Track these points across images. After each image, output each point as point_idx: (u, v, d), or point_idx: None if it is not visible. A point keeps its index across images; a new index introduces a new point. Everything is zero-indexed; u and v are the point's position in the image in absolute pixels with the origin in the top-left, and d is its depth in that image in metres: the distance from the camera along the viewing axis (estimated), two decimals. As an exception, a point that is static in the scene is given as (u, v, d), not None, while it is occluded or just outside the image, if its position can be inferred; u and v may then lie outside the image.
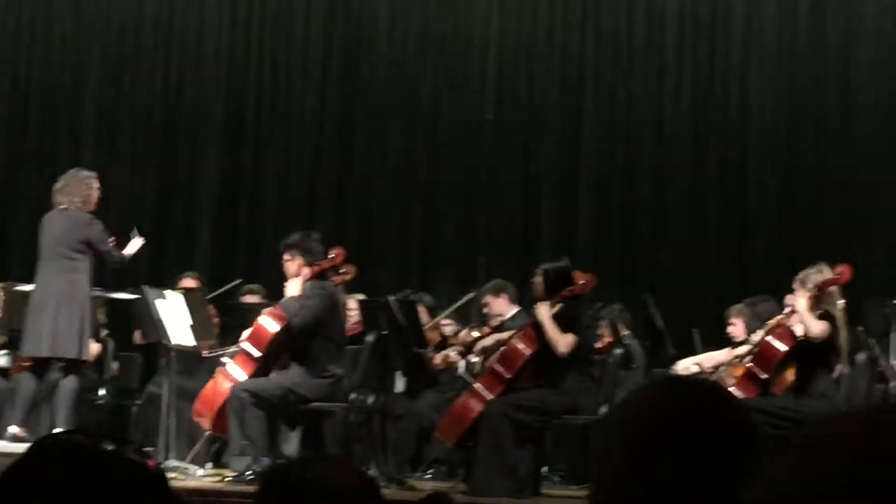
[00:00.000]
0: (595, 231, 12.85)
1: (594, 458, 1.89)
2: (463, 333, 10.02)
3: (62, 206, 8.96)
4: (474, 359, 9.66)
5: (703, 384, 1.95)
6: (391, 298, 9.14)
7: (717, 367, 8.83)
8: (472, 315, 10.47)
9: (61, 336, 8.68)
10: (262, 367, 8.46)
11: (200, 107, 13.34)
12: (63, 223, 8.87)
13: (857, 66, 12.82)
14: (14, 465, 1.75)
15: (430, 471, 9.54)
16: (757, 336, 8.54)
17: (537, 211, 13.02)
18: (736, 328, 9.44)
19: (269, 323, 8.46)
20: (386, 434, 9.02)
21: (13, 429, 8.62)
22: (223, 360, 8.83)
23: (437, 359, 9.98)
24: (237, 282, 10.71)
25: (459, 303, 10.40)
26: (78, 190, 9.02)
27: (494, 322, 10.01)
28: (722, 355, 8.99)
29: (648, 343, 10.03)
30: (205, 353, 9.31)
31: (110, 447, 1.78)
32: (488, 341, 9.26)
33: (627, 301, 11.03)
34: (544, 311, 8.38)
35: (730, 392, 2.02)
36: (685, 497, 1.67)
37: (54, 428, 8.74)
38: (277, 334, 8.41)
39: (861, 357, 9.24)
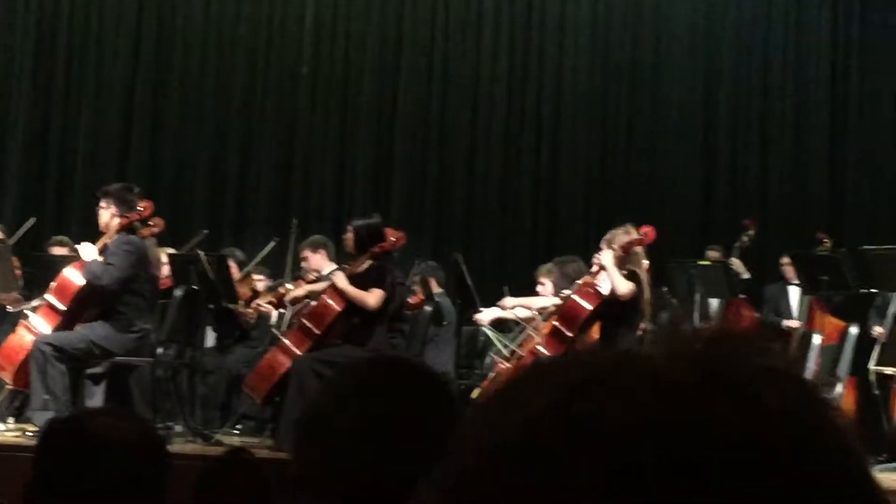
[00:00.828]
0: (410, 189, 12.91)
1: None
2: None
3: None
4: (287, 312, 9.63)
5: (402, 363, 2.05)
6: (201, 252, 9.04)
7: (541, 311, 8.93)
8: (288, 271, 10.43)
9: None
10: (66, 321, 8.29)
11: (8, 53, 12.98)
12: None
13: (669, 41, 13.13)
14: None
15: (239, 426, 9.49)
16: (564, 295, 8.68)
17: (353, 166, 13.01)
18: (545, 287, 9.58)
19: (74, 275, 8.29)
20: (194, 389, 8.94)
21: None
22: (26, 312, 8.63)
23: (249, 310, 9.92)
24: (31, 222, 10.38)
25: (264, 252, 10.35)
26: None
27: (310, 277, 9.98)
28: (545, 301, 9.11)
29: (459, 301, 10.10)
30: (10, 309, 9.10)
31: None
32: (300, 292, 9.20)
33: (440, 259, 11.11)
34: (341, 279, 8.38)
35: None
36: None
37: None
38: (83, 287, 8.24)
39: (664, 317, 9.47)
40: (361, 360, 2.23)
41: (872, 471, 0.71)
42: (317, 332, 8.33)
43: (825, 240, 10.96)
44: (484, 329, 9.30)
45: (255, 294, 10.11)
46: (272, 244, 10.39)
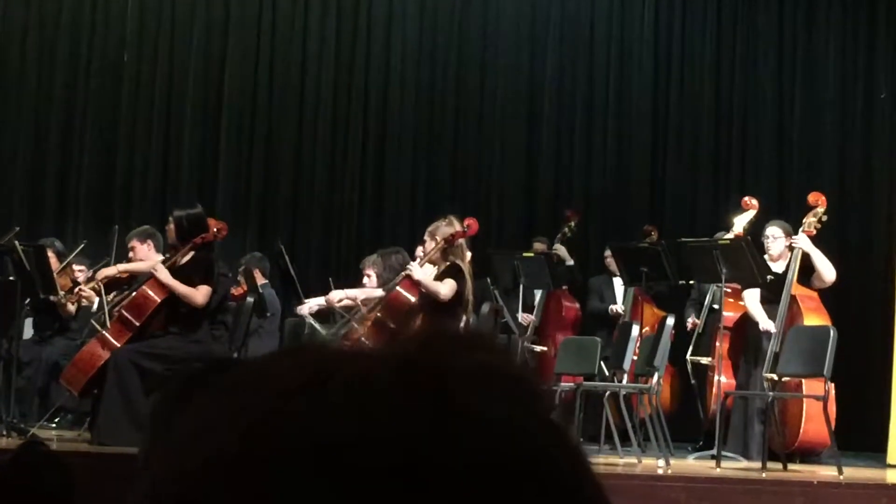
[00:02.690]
0: (235, 178, 12.80)
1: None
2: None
3: None
4: (105, 304, 9.46)
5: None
6: (17, 242, 8.85)
7: (365, 303, 8.92)
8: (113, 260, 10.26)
9: None
10: None
11: None
12: None
13: (495, 33, 13.27)
14: None
15: (56, 419, 9.33)
16: (389, 286, 8.71)
17: (178, 155, 12.85)
18: (370, 279, 9.59)
19: None
20: (10, 382, 8.75)
21: None
22: None
23: (68, 305, 9.74)
24: None
25: (80, 247, 10.18)
26: None
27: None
28: (370, 293, 9.11)
29: (284, 291, 10.08)
30: None
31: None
32: (111, 271, 9.01)
33: (265, 250, 11.06)
34: (164, 274, 8.28)
35: None
36: None
37: None
38: None
39: (485, 308, 9.57)
40: None
41: (590, 468, 0.71)
42: (136, 323, 8.21)
43: (652, 232, 11.19)
44: (307, 321, 9.28)
45: (76, 285, 9.93)
46: (84, 243, 10.19)
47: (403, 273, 8.54)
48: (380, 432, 0.65)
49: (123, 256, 9.18)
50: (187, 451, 0.67)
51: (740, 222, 9.76)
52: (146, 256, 9.78)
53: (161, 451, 0.70)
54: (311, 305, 9.22)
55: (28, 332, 9.56)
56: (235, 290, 9.74)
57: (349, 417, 0.65)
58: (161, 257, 9.73)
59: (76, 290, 9.66)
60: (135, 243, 9.81)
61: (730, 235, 9.53)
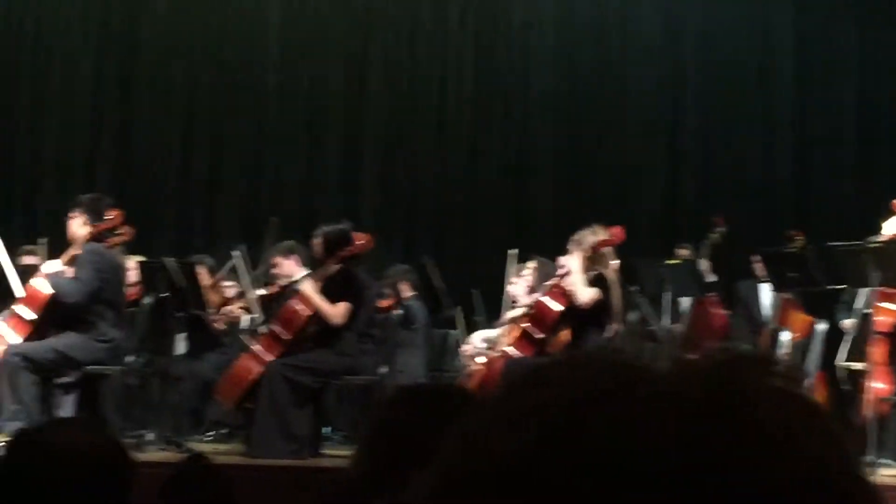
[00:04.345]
0: (380, 193, 12.91)
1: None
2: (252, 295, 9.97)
3: None
4: (257, 316, 9.63)
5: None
6: (169, 260, 9.03)
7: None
8: (260, 276, 10.41)
9: None
10: (36, 330, 8.27)
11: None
12: None
13: (635, 38, 13.19)
14: None
15: (211, 433, 9.49)
16: (534, 297, 8.70)
17: (323, 172, 13.01)
18: (515, 288, 9.58)
19: (43, 285, 8.28)
20: (165, 397, 8.93)
21: None
22: (-2, 322, 8.61)
23: (219, 321, 9.92)
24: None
25: (230, 263, 10.33)
26: None
27: (282, 282, 9.98)
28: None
29: (430, 304, 10.13)
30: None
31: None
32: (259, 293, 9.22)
33: (410, 262, 11.13)
34: (308, 288, 8.39)
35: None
36: None
37: None
38: (52, 297, 8.23)
39: (633, 317, 9.51)
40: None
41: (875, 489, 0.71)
42: (286, 337, 8.34)
43: (797, 237, 11.00)
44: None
45: (226, 301, 10.11)
46: (237, 254, 10.34)
47: (551, 282, 8.52)
48: (683, 444, 0.65)
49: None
50: (475, 450, 0.69)
51: (890, 226, 9.55)
52: (291, 271, 9.93)
53: (450, 448, 0.72)
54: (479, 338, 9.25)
55: (181, 347, 9.73)
56: (382, 303, 9.82)
57: (652, 427, 0.66)
58: (305, 271, 9.87)
59: (225, 310, 9.84)
60: (278, 259, 9.95)
61: (880, 239, 9.33)
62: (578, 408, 0.68)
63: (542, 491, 0.66)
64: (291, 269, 9.96)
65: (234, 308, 9.90)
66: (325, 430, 8.97)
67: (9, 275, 8.70)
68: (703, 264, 10.99)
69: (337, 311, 8.29)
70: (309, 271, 9.77)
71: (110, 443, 2.67)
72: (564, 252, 8.82)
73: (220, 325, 9.95)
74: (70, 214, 8.50)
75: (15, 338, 8.23)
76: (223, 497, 4.23)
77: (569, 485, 0.65)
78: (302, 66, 13.10)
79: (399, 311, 9.43)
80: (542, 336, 8.43)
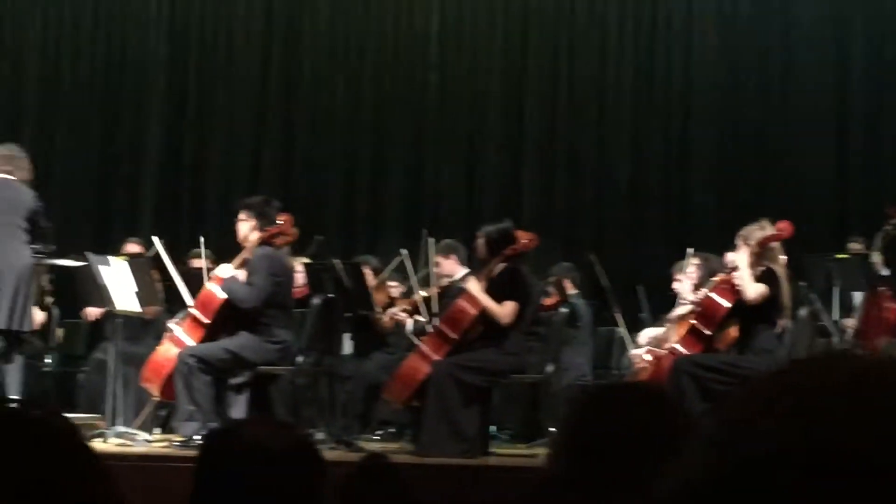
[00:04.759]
0: (540, 191, 12.90)
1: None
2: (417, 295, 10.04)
3: (7, 177, 8.73)
4: (421, 318, 9.69)
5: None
6: (336, 261, 9.14)
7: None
8: (420, 277, 10.48)
9: (23, 308, 8.56)
10: (210, 333, 8.45)
11: (142, 72, 13.24)
12: (13, 193, 8.68)
13: (798, 29, 12.96)
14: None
15: (379, 432, 9.57)
16: (701, 293, 8.60)
17: (482, 171, 13.05)
18: (681, 285, 9.49)
19: (217, 290, 8.44)
20: (334, 396, 9.03)
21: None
22: (170, 325, 8.81)
23: (385, 318, 10.01)
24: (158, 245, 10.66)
25: (394, 263, 10.41)
26: (24, 163, 8.86)
27: (443, 283, 10.03)
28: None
29: (594, 302, 10.08)
30: (147, 317, 9.31)
31: (17, 409, 1.81)
32: (424, 294, 9.29)
33: (573, 260, 11.09)
34: (475, 287, 8.39)
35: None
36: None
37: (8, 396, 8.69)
38: (225, 301, 8.39)
39: (803, 312, 9.34)
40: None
41: None
42: (453, 336, 8.36)
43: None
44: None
45: (391, 301, 10.20)
46: (404, 253, 10.43)
47: (718, 278, 8.42)
48: None
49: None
50: (724, 446, 0.68)
51: None
52: (452, 270, 9.97)
53: (692, 448, 0.71)
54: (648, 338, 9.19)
55: (347, 347, 9.85)
56: (547, 301, 9.80)
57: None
58: (465, 270, 9.91)
59: (390, 312, 9.93)
60: (438, 259, 10.01)
61: None
62: (813, 407, 0.66)
63: (782, 490, 0.64)
64: (452, 268, 10.00)
65: (399, 311, 9.97)
66: (491, 428, 8.97)
67: (177, 281, 8.90)
68: (876, 257, 10.73)
69: (505, 311, 8.30)
70: (468, 270, 9.81)
71: (302, 441, 2.71)
72: (729, 248, 8.71)
73: (386, 325, 10.03)
74: (239, 217, 8.63)
75: (190, 341, 8.41)
76: (402, 496, 4.26)
77: (805, 484, 0.64)
78: (461, 66, 13.15)
79: (564, 309, 9.40)
80: (709, 333, 8.33)
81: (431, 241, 9.82)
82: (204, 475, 2.63)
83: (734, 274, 8.23)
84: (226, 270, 8.49)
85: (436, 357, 8.32)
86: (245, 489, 2.53)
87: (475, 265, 9.54)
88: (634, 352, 9.17)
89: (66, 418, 1.82)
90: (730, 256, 8.51)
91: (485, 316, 8.36)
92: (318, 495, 2.65)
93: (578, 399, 2.27)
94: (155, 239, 9.36)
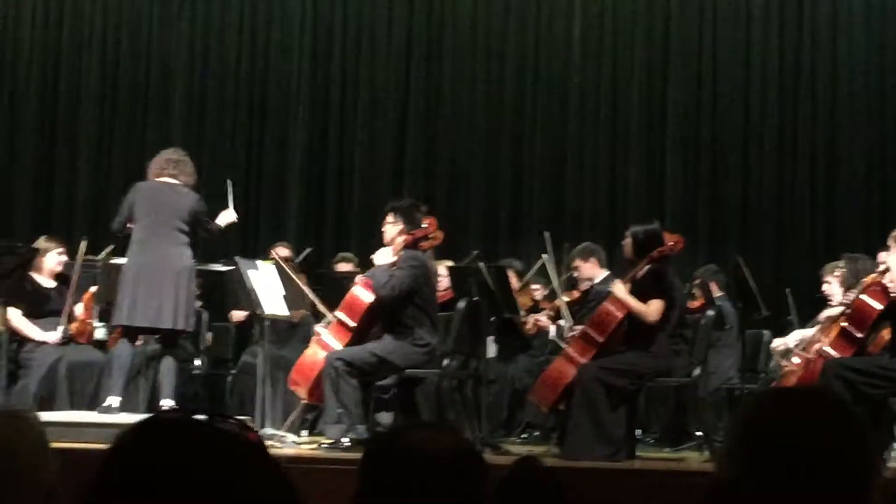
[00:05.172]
0: (684, 192, 12.78)
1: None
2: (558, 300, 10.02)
3: (171, 181, 8.93)
4: (564, 322, 9.67)
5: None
6: (481, 264, 9.16)
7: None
8: (561, 280, 10.44)
9: (184, 309, 8.76)
10: (356, 337, 8.52)
11: (286, 77, 13.41)
12: (176, 197, 8.87)
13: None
14: (117, 444, 1.80)
15: (524, 435, 9.57)
16: (852, 295, 8.45)
17: (625, 173, 12.98)
18: (831, 287, 9.33)
19: (363, 293, 8.51)
20: (479, 399, 9.04)
21: (115, 400, 8.72)
22: (317, 329, 8.90)
23: (528, 323, 10.00)
24: (308, 250, 10.85)
25: (536, 266, 10.41)
26: (189, 167, 9.05)
27: (584, 286, 10.00)
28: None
29: (741, 304, 9.95)
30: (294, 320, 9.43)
31: (210, 422, 1.82)
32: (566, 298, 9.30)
33: (718, 262, 10.98)
34: (620, 290, 8.34)
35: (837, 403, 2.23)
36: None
37: (157, 399, 8.86)
38: (371, 304, 8.45)
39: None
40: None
41: None
42: (600, 339, 8.32)
43: None
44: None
45: (535, 304, 10.19)
46: (545, 257, 10.42)
47: (869, 279, 8.26)
48: None
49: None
50: None
51: None
52: (591, 273, 9.93)
53: None
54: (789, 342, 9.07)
55: (491, 350, 9.86)
56: (693, 304, 9.72)
57: None
58: (606, 272, 9.86)
59: (533, 317, 9.93)
60: (578, 262, 9.98)
61: None
62: None
63: None
64: (592, 271, 9.98)
65: (543, 316, 9.96)
66: (637, 432, 8.91)
67: (304, 289, 9.01)
68: None
69: (651, 310, 8.23)
70: (609, 272, 9.77)
71: (466, 445, 2.71)
72: (880, 249, 8.55)
73: (530, 329, 10.03)
74: (386, 220, 8.69)
75: (337, 344, 8.49)
76: (555, 500, 4.24)
77: None
78: (602, 69, 13.09)
79: (710, 312, 9.30)
80: (861, 335, 8.17)
81: (547, 234, 9.76)
82: (367, 479, 2.64)
83: (886, 275, 8.07)
84: (384, 255, 8.53)
85: (582, 360, 8.29)
86: (409, 492, 2.53)
87: (616, 267, 9.50)
88: (780, 354, 9.03)
89: (255, 431, 1.84)
90: (882, 257, 8.35)
91: (631, 318, 8.30)
92: (482, 500, 2.65)
93: (753, 403, 2.24)
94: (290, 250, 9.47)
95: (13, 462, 2.66)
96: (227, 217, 9.24)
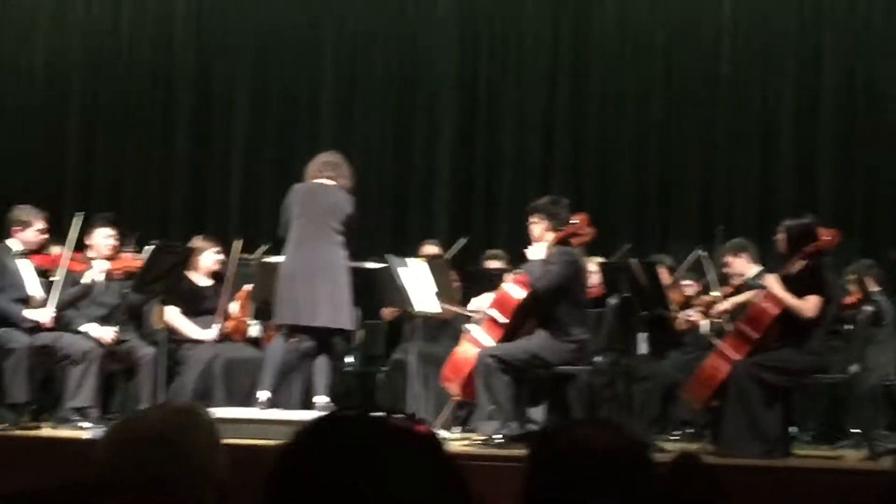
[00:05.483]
0: (837, 186, 12.54)
1: None
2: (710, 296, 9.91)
3: (328, 182, 9.06)
4: (717, 319, 9.58)
5: None
6: (633, 260, 9.11)
7: None
8: (714, 277, 10.33)
9: (343, 307, 8.88)
10: (508, 333, 8.54)
11: (434, 77, 13.45)
12: (330, 197, 9.00)
13: None
14: (296, 440, 1.83)
15: (677, 432, 9.49)
16: None
17: (776, 166, 12.78)
18: None
19: (514, 290, 8.53)
20: (631, 396, 9.00)
21: (264, 395, 8.86)
22: (468, 325, 8.94)
23: (680, 320, 9.92)
24: (462, 241, 10.87)
25: (688, 261, 10.32)
26: (346, 171, 9.17)
27: (736, 281, 9.88)
28: None
29: (899, 299, 9.75)
30: (449, 308, 9.48)
31: (384, 419, 1.85)
32: (725, 305, 9.18)
33: (874, 256, 10.76)
34: (775, 285, 8.23)
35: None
36: None
37: (311, 396, 8.99)
38: (523, 301, 8.46)
39: None
40: None
41: None
42: (755, 336, 8.23)
43: None
44: None
45: (686, 300, 10.09)
46: (698, 252, 10.33)
47: None
48: None
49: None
50: None
51: None
52: (743, 269, 9.80)
53: None
54: None
55: (643, 347, 9.78)
56: (848, 299, 9.54)
57: None
58: (758, 268, 9.72)
59: (684, 314, 9.84)
60: (729, 258, 9.86)
61: None
62: None
63: None
64: (743, 267, 9.85)
65: (693, 314, 9.87)
66: (792, 429, 8.77)
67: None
68: None
69: (808, 305, 8.12)
70: (761, 268, 9.63)
71: (632, 442, 2.71)
72: None
73: (681, 325, 9.94)
74: (530, 220, 8.69)
75: (489, 341, 8.52)
76: (715, 497, 4.20)
77: None
78: (753, 59, 12.89)
79: (868, 308, 9.12)
80: None
81: (721, 228, 9.65)
82: (534, 475, 2.65)
83: None
84: (537, 250, 8.53)
85: (736, 357, 8.20)
86: (576, 490, 2.53)
87: (769, 262, 9.36)
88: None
89: (428, 427, 1.86)
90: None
91: (786, 314, 8.19)
92: (647, 496, 2.64)
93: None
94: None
95: (187, 458, 2.72)
96: None
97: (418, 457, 1.80)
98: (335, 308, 8.82)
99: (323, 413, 1.87)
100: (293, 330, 9.06)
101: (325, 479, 1.75)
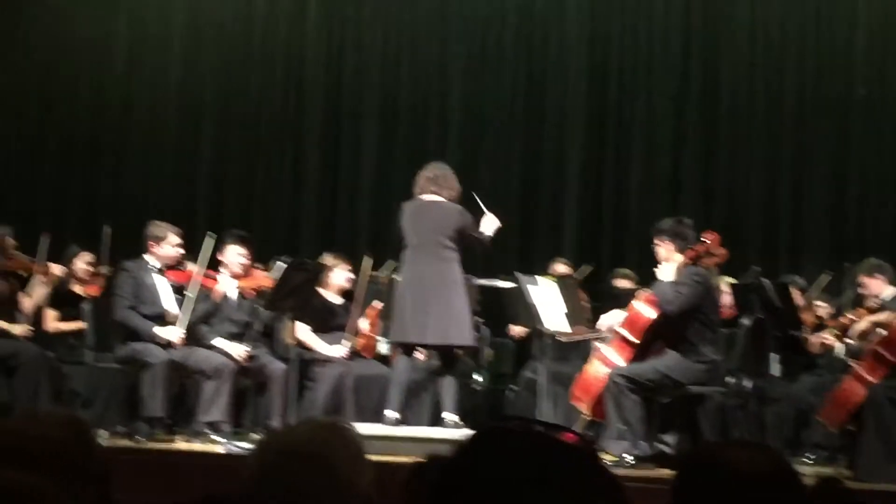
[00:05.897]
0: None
1: None
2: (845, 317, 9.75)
3: (435, 198, 9.10)
4: (851, 341, 9.41)
5: None
6: (765, 281, 8.99)
7: None
8: (847, 296, 10.17)
9: (454, 323, 8.89)
10: (638, 353, 8.48)
11: (564, 93, 13.43)
12: (438, 213, 9.04)
13: None
14: (460, 453, 1.84)
15: (811, 456, 9.33)
16: None
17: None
18: None
19: (645, 309, 8.46)
20: (763, 418, 8.89)
21: (392, 415, 8.90)
22: (598, 344, 8.89)
23: (813, 342, 9.77)
24: (589, 268, 10.84)
25: (821, 282, 10.16)
26: (449, 182, 9.20)
27: (871, 303, 9.70)
28: None
29: None
30: (574, 338, 9.42)
31: (545, 432, 1.85)
32: (863, 325, 9.00)
33: None
34: None
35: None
36: None
37: (439, 413, 9.00)
38: (654, 321, 8.40)
39: None
40: None
41: None
42: (892, 359, 8.07)
43: None
44: None
45: (819, 321, 9.94)
46: (830, 274, 10.17)
47: None
48: None
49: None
50: None
51: None
52: (878, 290, 9.61)
53: None
54: None
55: (775, 369, 9.65)
56: None
57: None
58: (893, 289, 9.53)
59: (819, 336, 9.68)
60: (863, 279, 9.67)
61: None
62: None
63: None
64: (878, 287, 9.66)
65: (828, 336, 9.71)
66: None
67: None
68: None
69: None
70: (893, 288, 9.44)
71: (784, 465, 2.67)
72: None
73: (815, 347, 9.79)
74: (654, 242, 8.63)
75: (619, 360, 8.46)
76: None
77: None
78: (888, 76, 12.66)
79: None
80: None
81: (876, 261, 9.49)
82: (683, 496, 2.62)
83: None
84: (667, 270, 8.46)
85: (872, 380, 8.05)
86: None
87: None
88: None
89: (591, 443, 1.87)
90: None
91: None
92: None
93: None
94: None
95: (334, 472, 2.74)
96: (490, 224, 9.26)
97: (580, 468, 1.81)
98: (447, 325, 8.82)
99: (482, 428, 1.89)
100: (409, 347, 9.11)
101: (490, 491, 1.77)
